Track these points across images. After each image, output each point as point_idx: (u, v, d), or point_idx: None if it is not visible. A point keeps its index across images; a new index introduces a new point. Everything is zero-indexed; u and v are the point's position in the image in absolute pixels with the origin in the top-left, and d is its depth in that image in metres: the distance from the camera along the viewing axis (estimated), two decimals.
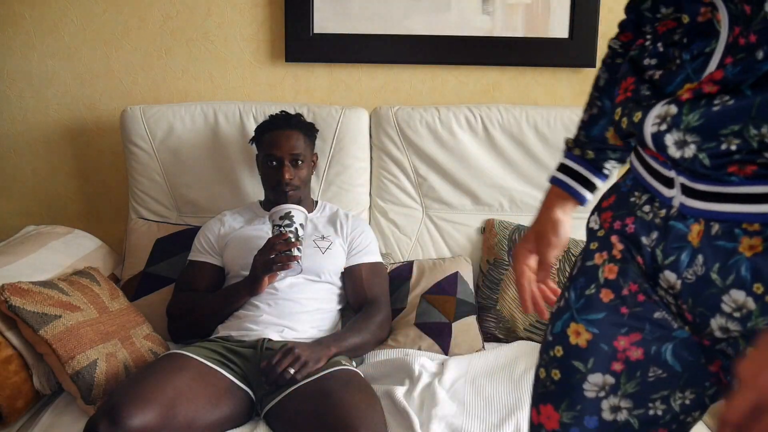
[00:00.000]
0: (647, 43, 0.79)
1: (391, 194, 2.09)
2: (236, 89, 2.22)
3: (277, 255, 1.62)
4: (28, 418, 1.55)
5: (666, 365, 0.78)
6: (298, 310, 1.72)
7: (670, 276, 0.74)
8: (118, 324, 1.67)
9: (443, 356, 1.77)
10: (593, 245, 0.84)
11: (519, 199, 2.05)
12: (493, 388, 1.61)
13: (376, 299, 1.81)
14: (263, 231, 1.83)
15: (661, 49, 0.76)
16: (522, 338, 1.88)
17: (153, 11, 2.18)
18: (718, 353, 0.75)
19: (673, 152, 0.69)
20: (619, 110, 0.78)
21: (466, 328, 1.84)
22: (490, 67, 2.17)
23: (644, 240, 0.77)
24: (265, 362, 1.51)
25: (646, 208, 0.76)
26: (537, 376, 0.87)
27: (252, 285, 1.67)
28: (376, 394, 1.53)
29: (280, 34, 2.17)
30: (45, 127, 2.27)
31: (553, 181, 0.96)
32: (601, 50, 2.10)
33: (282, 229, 1.64)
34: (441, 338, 1.81)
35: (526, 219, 2.02)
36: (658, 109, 0.70)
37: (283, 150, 1.81)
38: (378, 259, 1.89)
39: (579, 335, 0.81)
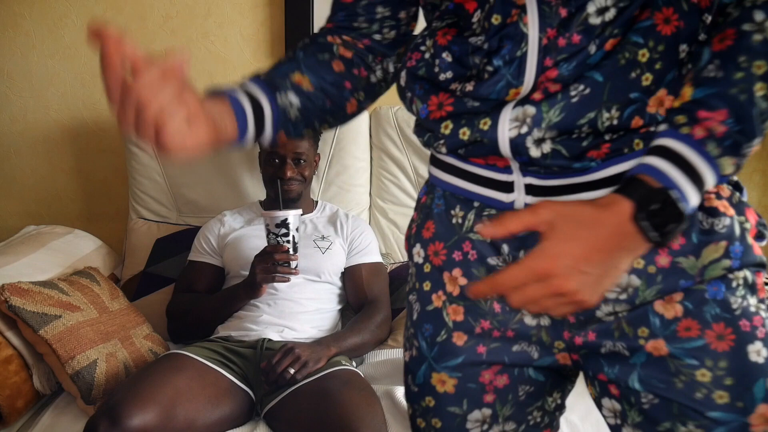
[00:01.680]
0: (426, 56, 0.76)
1: (391, 194, 2.09)
2: None
3: (276, 265, 1.61)
4: (28, 418, 1.55)
5: (531, 380, 0.80)
6: (298, 310, 1.72)
7: None
8: (118, 324, 1.67)
9: None
10: (426, 285, 0.81)
11: None
12: None
13: (376, 299, 1.81)
14: (263, 231, 1.83)
15: (449, 60, 0.74)
16: None
17: (153, 11, 2.19)
18: (593, 360, 0.75)
19: (534, 152, 0.68)
20: (447, 123, 0.74)
21: None
22: None
23: (492, 261, 0.75)
24: (265, 362, 1.51)
25: (479, 226, 0.68)
26: (417, 426, 0.85)
27: (250, 290, 1.67)
28: (376, 394, 1.53)
29: (280, 34, 2.17)
30: (45, 127, 2.27)
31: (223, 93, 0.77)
32: None
33: (279, 239, 1.62)
34: None
35: None
36: (514, 112, 0.69)
37: (286, 149, 1.82)
38: (378, 259, 1.89)
39: (444, 383, 0.80)
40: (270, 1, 2.17)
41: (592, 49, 0.66)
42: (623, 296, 0.70)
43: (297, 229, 1.64)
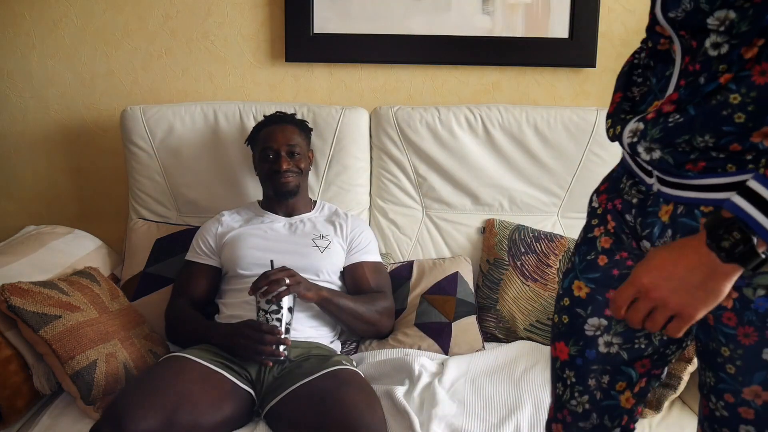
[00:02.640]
0: (635, 61, 1.00)
1: (391, 194, 2.09)
2: (236, 89, 2.23)
3: (263, 347, 1.54)
4: (28, 418, 1.55)
5: None
6: (297, 309, 1.72)
7: (646, 244, 0.95)
8: (118, 324, 1.67)
9: (443, 356, 1.77)
10: (594, 221, 1.05)
11: (519, 199, 2.05)
12: (493, 388, 1.61)
13: (379, 290, 1.82)
14: (261, 230, 1.84)
15: (641, 70, 0.98)
16: (522, 338, 1.88)
17: (153, 11, 2.19)
18: None
19: (644, 156, 0.90)
20: (609, 121, 0.98)
21: (466, 327, 1.84)
22: (489, 67, 2.17)
23: (627, 217, 0.98)
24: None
25: (632, 192, 0.98)
26: (553, 321, 1.11)
27: (230, 351, 1.60)
28: (376, 394, 1.53)
29: (280, 34, 2.17)
30: (45, 127, 2.27)
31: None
32: (601, 50, 2.11)
33: (268, 315, 1.55)
34: (441, 338, 1.80)
35: (526, 219, 2.03)
36: (631, 126, 0.92)
37: (279, 142, 1.83)
38: (377, 258, 1.89)
39: (580, 289, 1.04)
40: (270, 1, 2.17)
41: (701, 80, 0.84)
42: None
43: (291, 310, 1.58)
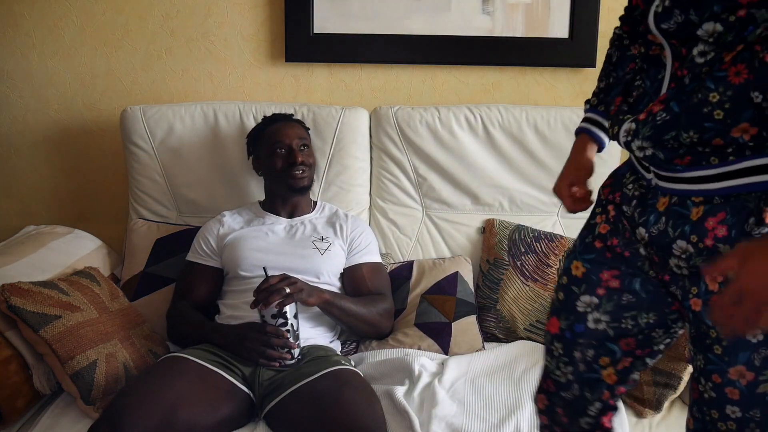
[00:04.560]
0: (636, 67, 1.11)
1: (391, 194, 2.09)
2: (236, 89, 2.23)
3: (271, 351, 1.54)
4: (28, 418, 1.55)
5: (635, 292, 1.10)
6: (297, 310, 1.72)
7: (641, 231, 1.03)
8: (118, 324, 1.67)
9: (443, 356, 1.77)
10: (597, 209, 1.16)
11: (519, 199, 2.05)
12: (493, 388, 1.61)
13: (379, 292, 1.82)
14: (262, 232, 1.83)
15: (640, 75, 1.10)
16: (522, 338, 1.88)
17: (153, 11, 2.19)
18: (671, 293, 1.06)
19: (638, 153, 1.01)
20: (610, 122, 1.11)
21: (466, 327, 1.84)
22: (490, 67, 2.17)
23: (625, 208, 1.08)
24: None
25: (631, 186, 1.08)
26: (552, 298, 1.22)
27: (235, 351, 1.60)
28: (376, 394, 1.53)
29: (280, 34, 2.17)
30: (45, 127, 2.27)
31: (583, 130, 1.24)
32: (602, 50, 2.10)
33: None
34: (441, 338, 1.80)
35: (526, 219, 2.03)
36: (626, 126, 1.03)
37: (290, 137, 1.85)
38: (378, 259, 1.89)
39: (578, 269, 1.14)
40: (270, 1, 2.17)
41: (686, 80, 0.94)
42: (683, 256, 0.98)
43: (296, 316, 1.57)
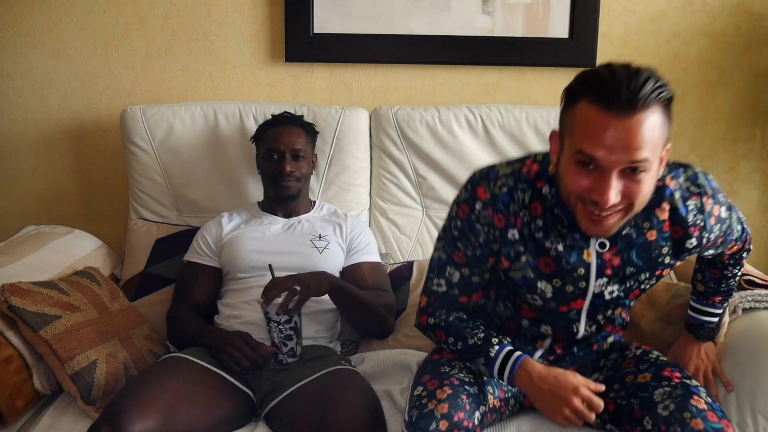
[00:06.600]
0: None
1: (391, 194, 2.09)
2: (236, 89, 2.23)
3: (247, 362, 1.53)
4: (28, 418, 1.55)
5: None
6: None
7: None
8: (118, 324, 1.67)
9: None
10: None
11: None
12: None
13: (380, 288, 1.81)
14: (259, 232, 1.83)
15: None
16: None
17: (153, 11, 2.19)
18: None
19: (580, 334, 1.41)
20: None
21: None
22: (490, 67, 2.17)
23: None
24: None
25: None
26: None
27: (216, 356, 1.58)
28: (376, 394, 1.53)
29: (280, 34, 2.18)
30: (45, 127, 2.27)
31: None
32: (601, 50, 2.11)
33: (282, 326, 1.54)
34: None
35: None
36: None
37: (284, 144, 1.82)
38: (377, 259, 1.89)
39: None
40: (270, 1, 2.17)
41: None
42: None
43: (299, 313, 1.57)
